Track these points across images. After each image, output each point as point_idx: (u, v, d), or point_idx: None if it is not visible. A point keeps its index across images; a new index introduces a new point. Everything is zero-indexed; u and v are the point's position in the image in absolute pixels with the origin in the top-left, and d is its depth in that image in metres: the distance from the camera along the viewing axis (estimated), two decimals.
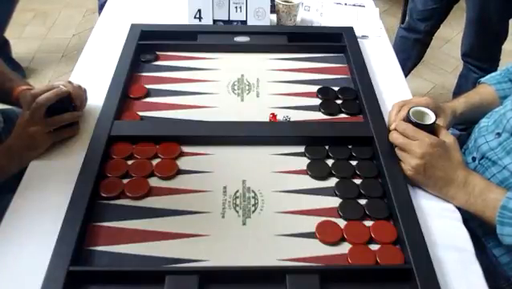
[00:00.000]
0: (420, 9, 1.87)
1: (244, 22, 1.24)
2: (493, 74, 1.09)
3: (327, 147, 0.92)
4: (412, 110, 0.86)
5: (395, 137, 0.85)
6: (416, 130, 0.83)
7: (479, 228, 0.89)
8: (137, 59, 1.12)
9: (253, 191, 0.84)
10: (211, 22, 1.23)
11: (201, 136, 0.92)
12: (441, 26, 1.94)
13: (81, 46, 1.21)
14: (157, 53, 1.15)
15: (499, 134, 0.91)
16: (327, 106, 1.02)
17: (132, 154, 0.89)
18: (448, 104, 1.00)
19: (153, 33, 1.18)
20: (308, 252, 0.75)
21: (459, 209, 0.83)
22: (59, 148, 0.90)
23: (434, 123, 0.85)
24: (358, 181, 0.86)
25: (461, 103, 1.02)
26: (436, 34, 1.99)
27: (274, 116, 0.98)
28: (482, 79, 1.09)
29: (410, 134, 0.83)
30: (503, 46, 1.82)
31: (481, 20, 1.70)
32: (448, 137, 0.84)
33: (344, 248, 0.75)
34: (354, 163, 0.89)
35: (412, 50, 2.00)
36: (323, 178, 0.87)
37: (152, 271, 0.70)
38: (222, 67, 1.13)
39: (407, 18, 1.96)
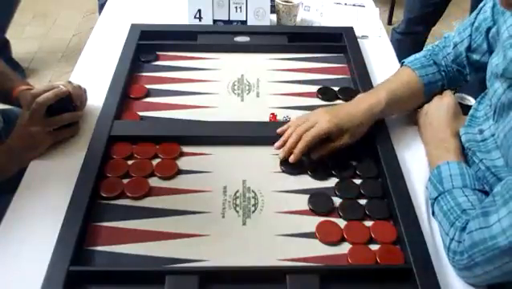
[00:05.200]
0: (416, 14, 1.85)
1: (244, 22, 1.24)
2: (417, 55, 0.98)
3: None
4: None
5: None
6: None
7: None
8: (137, 58, 1.12)
9: (253, 191, 0.84)
10: (211, 22, 1.23)
11: (201, 136, 0.92)
12: (441, 25, 1.93)
13: (81, 46, 1.21)
14: (157, 53, 1.14)
15: None
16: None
17: (132, 154, 0.88)
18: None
19: (153, 33, 1.18)
20: (308, 252, 0.75)
21: None
22: (59, 148, 0.90)
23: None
24: (358, 181, 0.86)
25: (381, 100, 0.89)
26: (436, 34, 1.98)
27: (274, 116, 0.98)
28: (406, 61, 0.97)
29: None
30: None
31: None
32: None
33: (344, 248, 0.75)
34: (354, 163, 0.89)
35: (409, 50, 1.99)
36: (323, 178, 0.87)
37: (152, 271, 0.70)
38: (222, 67, 1.13)
39: (402, 24, 1.94)
